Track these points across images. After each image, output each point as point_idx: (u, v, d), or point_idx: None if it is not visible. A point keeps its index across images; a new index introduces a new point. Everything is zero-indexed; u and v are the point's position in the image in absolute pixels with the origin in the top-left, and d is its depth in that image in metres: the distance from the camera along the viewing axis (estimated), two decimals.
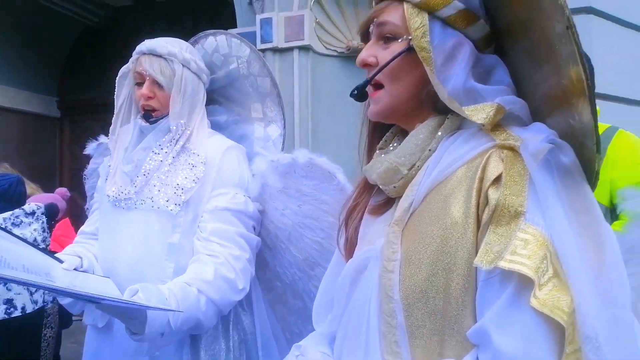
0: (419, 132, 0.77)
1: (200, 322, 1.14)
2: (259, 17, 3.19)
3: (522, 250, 0.62)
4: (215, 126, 1.44)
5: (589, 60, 1.39)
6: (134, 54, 1.36)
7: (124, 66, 1.40)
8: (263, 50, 3.13)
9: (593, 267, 0.61)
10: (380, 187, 0.81)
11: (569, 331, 0.59)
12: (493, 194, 0.66)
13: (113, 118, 1.40)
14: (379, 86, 0.80)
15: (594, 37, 2.80)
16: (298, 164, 1.24)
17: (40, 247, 2.22)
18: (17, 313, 2.14)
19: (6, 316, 2.10)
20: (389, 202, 0.81)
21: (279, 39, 3.14)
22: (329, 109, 3.22)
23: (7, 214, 2.14)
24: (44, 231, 2.26)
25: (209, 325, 1.19)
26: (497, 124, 0.72)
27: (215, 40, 1.46)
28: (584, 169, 0.68)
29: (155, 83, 1.31)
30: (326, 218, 1.25)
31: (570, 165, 0.67)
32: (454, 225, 0.68)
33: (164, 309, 1.02)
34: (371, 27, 0.81)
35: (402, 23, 0.76)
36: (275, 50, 3.15)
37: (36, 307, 2.21)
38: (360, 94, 0.81)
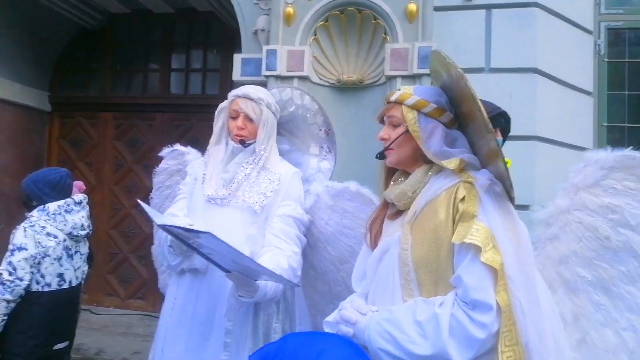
0: (417, 173, 1.41)
1: (277, 296, 1.68)
2: (265, 47, 3.70)
3: (476, 234, 1.24)
4: (280, 152, 1.98)
5: (508, 120, 2.08)
6: (230, 96, 1.89)
7: (221, 103, 1.92)
8: (267, 77, 3.66)
9: (513, 243, 1.25)
10: (395, 203, 1.43)
11: (500, 274, 1.20)
12: (461, 206, 1.30)
13: (211, 139, 1.92)
14: (391, 149, 1.44)
15: (538, 92, 3.51)
16: (349, 190, 1.81)
17: (85, 231, 2.67)
18: (66, 285, 2.59)
19: (58, 287, 2.55)
20: (399, 213, 1.44)
21: (282, 68, 3.66)
22: None
23: (61, 202, 2.60)
24: (89, 217, 2.72)
25: (277, 298, 1.73)
26: (462, 169, 1.36)
27: (291, 93, 2.00)
28: (507, 194, 1.33)
29: (247, 118, 1.84)
30: (360, 229, 1.79)
31: (501, 192, 1.34)
32: (441, 222, 1.30)
33: (287, 281, 1.54)
34: (385, 118, 1.45)
35: (401, 116, 1.40)
36: (277, 77, 3.67)
37: (76, 282, 2.67)
38: (381, 156, 1.46)
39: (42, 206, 2.57)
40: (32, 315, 2.46)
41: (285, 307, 1.84)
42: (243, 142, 1.85)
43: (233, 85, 5.67)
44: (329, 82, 3.74)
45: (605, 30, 4.00)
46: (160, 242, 1.86)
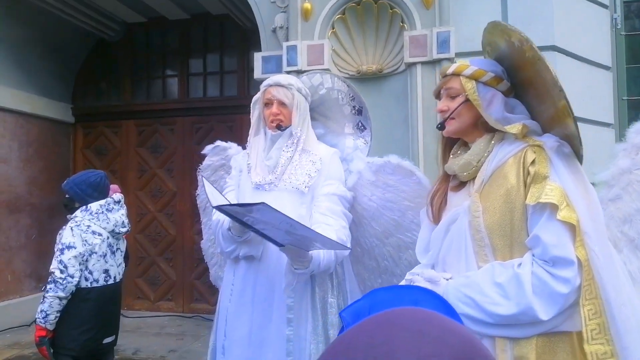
0: (480, 143, 1.45)
1: (330, 268, 1.74)
2: (285, 44, 3.78)
3: (550, 193, 1.27)
4: (315, 136, 2.04)
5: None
6: (262, 87, 1.96)
7: (255, 95, 1.99)
8: (289, 72, 3.74)
9: (585, 202, 1.28)
10: (457, 175, 1.47)
11: (577, 230, 1.24)
12: (532, 169, 1.33)
13: (250, 130, 1.99)
14: (452, 119, 1.47)
15: (557, 69, 3.52)
16: (390, 164, 1.86)
17: (125, 229, 2.76)
18: (111, 281, 2.69)
19: (104, 283, 2.64)
20: (463, 184, 1.48)
21: (302, 63, 3.73)
22: None
23: (102, 202, 2.69)
24: (127, 217, 2.81)
25: (330, 271, 1.79)
26: (524, 135, 1.39)
27: (321, 77, 2.06)
28: (575, 155, 1.37)
29: (281, 104, 1.91)
30: (403, 202, 1.86)
31: (569, 153, 1.37)
32: (512, 187, 1.34)
33: (338, 244, 1.60)
34: (442, 91, 1.49)
35: (460, 87, 1.44)
36: (299, 72, 3.74)
37: (119, 278, 2.76)
38: (441, 126, 1.49)
39: (84, 207, 2.66)
40: (83, 311, 2.56)
41: (338, 283, 1.91)
42: (280, 127, 1.91)
43: (251, 85, 5.79)
44: (349, 74, 3.80)
45: (622, 4, 4.01)
46: (215, 230, 1.93)
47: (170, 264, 6.12)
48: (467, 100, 1.43)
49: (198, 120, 5.97)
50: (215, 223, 1.92)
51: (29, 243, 5.72)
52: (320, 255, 1.67)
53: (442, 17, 3.49)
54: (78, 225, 2.59)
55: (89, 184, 2.70)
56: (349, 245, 1.81)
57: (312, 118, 2.08)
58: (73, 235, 2.55)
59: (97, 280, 2.62)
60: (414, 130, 3.54)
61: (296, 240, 1.56)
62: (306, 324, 1.81)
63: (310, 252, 1.62)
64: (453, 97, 1.46)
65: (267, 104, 1.94)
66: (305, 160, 1.88)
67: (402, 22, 3.63)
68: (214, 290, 5.97)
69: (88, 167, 6.37)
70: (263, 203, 1.43)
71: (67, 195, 2.74)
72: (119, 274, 2.78)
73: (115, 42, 6.12)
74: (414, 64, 3.55)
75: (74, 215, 2.67)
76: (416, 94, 3.55)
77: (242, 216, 1.54)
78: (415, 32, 3.52)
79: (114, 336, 2.79)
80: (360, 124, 2.08)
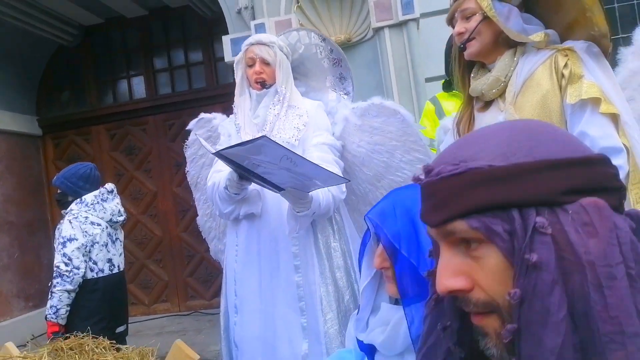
0: (504, 59, 1.49)
1: (330, 210, 1.80)
2: (253, 23, 3.81)
3: (589, 90, 1.34)
4: None
5: None
6: (244, 46, 1.99)
7: (237, 55, 2.03)
8: None
9: (617, 93, 1.35)
10: (484, 94, 1.50)
11: (618, 120, 1.32)
12: (565, 71, 1.38)
13: (235, 90, 2.02)
14: (471, 40, 1.50)
15: None
16: (374, 105, 1.91)
17: (122, 217, 2.77)
18: (116, 270, 2.69)
19: (110, 272, 2.65)
20: (488, 104, 1.52)
21: None
22: None
23: (96, 192, 2.69)
24: (121, 205, 2.82)
25: (330, 214, 1.85)
26: (546, 44, 1.44)
27: (298, 34, 2.11)
28: (603, 54, 1.44)
29: (264, 62, 1.94)
30: (391, 142, 1.92)
31: (598, 52, 1.43)
32: (548, 92, 1.40)
33: (338, 177, 1.64)
34: (455, 14, 1.52)
35: (476, 6, 1.47)
36: None
37: (123, 267, 2.77)
38: (463, 47, 1.51)
39: (78, 199, 2.66)
40: (92, 303, 2.57)
41: (338, 229, 1.97)
42: (264, 84, 1.95)
43: (220, 75, 5.78)
44: None
45: None
46: (211, 196, 1.96)
47: (160, 265, 6.09)
48: (484, 18, 1.44)
49: (169, 116, 5.92)
50: (210, 188, 1.95)
51: (12, 263, 5.59)
52: (320, 195, 1.73)
53: None
54: (76, 218, 2.59)
55: (79, 177, 2.70)
56: (344, 189, 1.88)
57: (294, 78, 2.13)
58: (72, 227, 2.55)
59: (102, 270, 2.62)
60: (389, 93, 3.62)
61: (296, 181, 1.60)
62: (313, 268, 1.87)
63: (309, 193, 1.67)
64: (468, 18, 1.48)
65: (250, 64, 1.97)
66: (292, 115, 1.93)
67: None
68: (209, 285, 6.02)
69: None
70: (264, 136, 1.46)
71: (59, 191, 2.73)
72: (122, 262, 2.79)
73: (75, 47, 6.00)
74: (381, 28, 3.64)
75: (69, 209, 2.66)
76: (387, 58, 3.64)
77: (242, 160, 1.54)
78: None
79: (125, 325, 2.80)
80: (341, 75, 2.14)
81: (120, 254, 2.80)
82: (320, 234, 1.91)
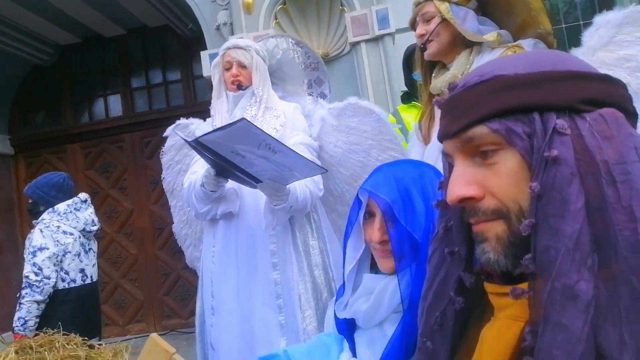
0: (461, 58, 1.60)
1: (307, 205, 1.80)
2: (232, 38, 3.86)
3: None
4: None
5: None
6: (221, 50, 2.02)
7: (214, 60, 2.04)
8: None
9: None
10: (444, 91, 1.56)
11: None
12: None
13: (212, 93, 2.03)
14: (431, 41, 1.60)
15: None
16: (350, 105, 1.94)
17: (96, 227, 2.72)
18: (88, 280, 2.63)
19: (82, 282, 2.58)
20: None
21: None
22: None
23: (69, 202, 2.65)
24: (95, 214, 2.77)
25: (307, 209, 1.85)
26: (499, 43, 1.55)
27: (275, 41, 2.14)
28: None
29: (241, 65, 1.97)
30: (367, 142, 1.94)
31: (544, 47, 1.52)
32: None
33: (317, 167, 1.65)
34: (417, 18, 1.64)
35: (435, 9, 1.60)
36: None
37: (96, 278, 2.70)
38: (424, 48, 1.62)
39: (50, 208, 2.60)
40: (63, 314, 2.49)
41: (317, 228, 1.97)
42: (240, 86, 1.96)
43: (198, 93, 5.78)
44: None
45: None
46: (187, 196, 1.94)
47: (135, 284, 5.95)
48: (442, 20, 1.57)
49: (147, 134, 5.88)
50: (187, 189, 1.93)
51: None
52: (297, 189, 1.73)
53: None
54: (47, 227, 2.53)
55: (52, 186, 2.65)
56: (321, 187, 1.89)
57: (272, 83, 2.15)
58: (44, 236, 2.49)
59: (74, 280, 2.56)
60: None
61: (275, 172, 1.60)
62: (292, 265, 1.86)
63: (287, 186, 1.67)
64: (428, 21, 1.60)
65: (227, 67, 1.99)
66: (270, 116, 1.95)
67: (342, 6, 3.80)
68: (185, 303, 5.89)
69: None
70: (243, 119, 1.45)
71: (30, 201, 2.67)
72: (95, 273, 2.73)
73: (50, 66, 5.95)
74: (358, 43, 3.72)
75: (40, 218, 2.60)
76: (364, 72, 3.72)
77: (220, 148, 1.52)
78: (356, 13, 3.70)
79: (98, 338, 2.72)
80: (318, 78, 2.17)
81: (94, 265, 2.74)
82: (299, 232, 1.90)
